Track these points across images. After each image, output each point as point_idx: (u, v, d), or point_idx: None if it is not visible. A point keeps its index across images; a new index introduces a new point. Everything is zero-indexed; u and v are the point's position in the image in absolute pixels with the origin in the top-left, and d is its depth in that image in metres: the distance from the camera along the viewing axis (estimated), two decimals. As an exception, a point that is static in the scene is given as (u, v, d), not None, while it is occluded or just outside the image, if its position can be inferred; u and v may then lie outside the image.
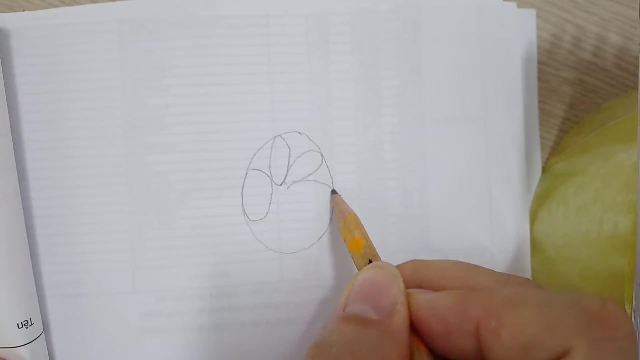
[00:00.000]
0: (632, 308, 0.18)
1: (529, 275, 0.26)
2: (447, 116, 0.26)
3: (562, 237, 0.24)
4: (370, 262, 0.21)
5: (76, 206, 0.25)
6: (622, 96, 0.28)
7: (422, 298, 0.17)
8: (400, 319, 0.16)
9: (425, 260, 0.20)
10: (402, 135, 0.26)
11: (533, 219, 0.27)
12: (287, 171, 0.26)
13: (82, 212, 0.25)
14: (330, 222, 0.26)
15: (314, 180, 0.26)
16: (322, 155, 0.26)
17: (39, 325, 0.23)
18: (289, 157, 0.26)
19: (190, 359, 0.25)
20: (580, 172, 0.24)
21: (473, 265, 0.19)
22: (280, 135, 0.25)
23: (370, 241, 0.22)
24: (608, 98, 0.28)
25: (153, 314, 0.25)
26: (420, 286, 0.19)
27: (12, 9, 0.26)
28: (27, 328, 0.22)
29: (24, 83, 0.24)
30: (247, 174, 0.25)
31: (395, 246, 0.26)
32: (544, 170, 0.28)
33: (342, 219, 0.23)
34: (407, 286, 0.18)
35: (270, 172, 0.25)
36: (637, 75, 0.27)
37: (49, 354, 0.24)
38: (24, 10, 0.25)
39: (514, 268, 0.26)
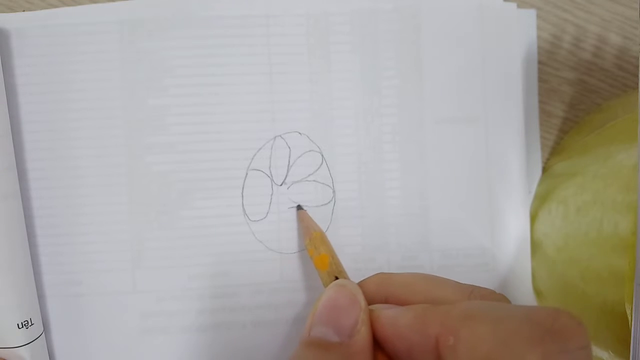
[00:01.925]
0: (632, 308, 0.18)
1: (528, 275, 0.26)
2: (447, 116, 0.26)
3: (562, 237, 0.24)
4: (336, 278, 0.21)
5: (76, 206, 0.25)
6: (622, 96, 0.28)
7: (384, 315, 0.17)
8: (361, 339, 0.16)
9: (391, 274, 0.20)
10: (402, 135, 0.26)
11: (533, 219, 0.27)
12: (287, 171, 0.26)
13: (82, 212, 0.25)
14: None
15: (314, 180, 0.26)
16: (322, 155, 0.26)
17: (39, 325, 0.23)
18: (289, 157, 0.26)
19: (190, 359, 0.25)
20: (580, 172, 0.24)
21: (438, 277, 0.19)
22: (280, 135, 0.25)
23: (337, 257, 0.22)
24: (608, 98, 0.28)
25: (153, 314, 0.25)
26: (386, 300, 0.19)
27: (12, 9, 0.26)
28: (27, 328, 0.22)
29: (24, 83, 0.24)
30: (247, 174, 0.25)
31: (395, 246, 0.26)
32: (544, 170, 0.28)
33: (308, 236, 0.23)
34: (373, 301, 0.18)
35: (270, 172, 0.25)
36: (637, 75, 0.27)
37: (49, 354, 0.24)
38: (24, 10, 0.25)
39: (514, 268, 0.26)
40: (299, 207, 0.25)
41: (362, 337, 0.17)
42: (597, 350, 0.22)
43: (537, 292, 0.26)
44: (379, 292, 0.19)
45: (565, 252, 0.24)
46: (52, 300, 0.25)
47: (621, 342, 0.20)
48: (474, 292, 0.18)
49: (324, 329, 0.17)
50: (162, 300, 0.25)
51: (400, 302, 0.18)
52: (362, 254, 0.26)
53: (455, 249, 0.26)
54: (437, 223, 0.26)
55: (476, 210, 0.26)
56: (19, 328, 0.22)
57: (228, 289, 0.25)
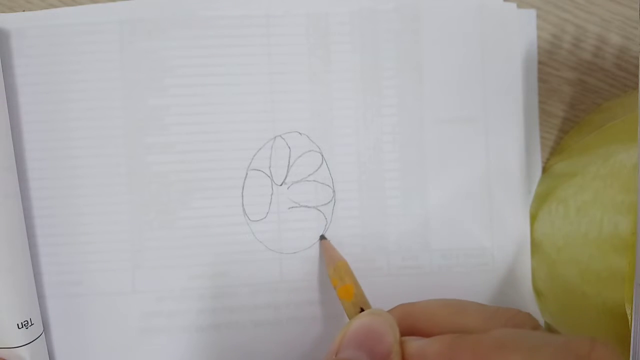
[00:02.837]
0: (632, 308, 0.18)
1: (528, 275, 0.26)
2: (447, 116, 0.26)
3: (562, 237, 0.24)
4: (362, 309, 0.20)
5: (76, 206, 0.25)
6: (622, 96, 0.28)
7: (413, 346, 0.16)
8: None
9: (412, 304, 0.19)
10: (402, 135, 0.26)
11: (533, 219, 0.27)
12: (287, 171, 0.26)
13: (82, 212, 0.25)
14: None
15: (314, 180, 0.26)
16: (322, 155, 0.26)
17: (39, 325, 0.23)
18: (289, 157, 0.26)
19: (190, 359, 0.25)
20: (580, 172, 0.24)
21: (459, 302, 0.19)
22: (280, 135, 0.25)
23: (361, 288, 0.22)
24: (608, 98, 0.28)
25: (153, 314, 0.25)
26: (410, 332, 0.18)
27: (12, 9, 0.26)
28: (27, 328, 0.22)
29: (24, 83, 0.24)
30: (247, 174, 0.25)
31: (395, 246, 0.26)
32: (544, 170, 0.28)
33: (332, 265, 0.23)
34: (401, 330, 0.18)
35: (270, 172, 0.25)
36: (637, 75, 0.27)
37: (49, 354, 0.24)
38: (24, 10, 0.25)
39: (514, 268, 0.26)
40: (322, 237, 0.25)
41: None
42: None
43: (537, 292, 0.26)
44: (402, 324, 0.18)
45: (565, 252, 0.24)
46: (52, 300, 0.25)
47: (621, 342, 0.20)
48: (497, 314, 0.17)
49: (356, 353, 0.17)
50: (162, 300, 0.25)
51: (425, 334, 0.18)
52: (362, 254, 0.26)
53: (455, 249, 0.26)
54: (437, 223, 0.26)
55: (476, 210, 0.26)
56: (19, 328, 0.22)
57: (228, 289, 0.25)
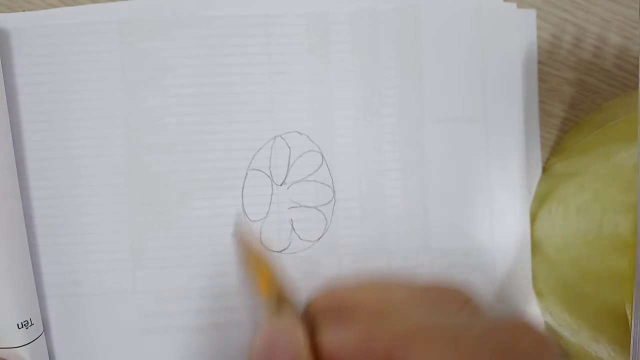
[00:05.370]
0: (632, 308, 0.18)
1: (529, 275, 0.26)
2: (447, 116, 0.26)
3: (562, 237, 0.24)
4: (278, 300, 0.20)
5: (76, 206, 0.25)
6: (622, 96, 0.28)
7: (328, 340, 0.16)
8: None
9: (339, 281, 0.19)
10: (402, 135, 0.26)
11: (533, 219, 0.27)
12: (287, 171, 0.26)
13: (82, 212, 0.25)
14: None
15: (314, 180, 0.26)
16: (322, 155, 0.26)
17: (39, 325, 0.23)
18: (289, 157, 0.26)
19: (190, 359, 0.25)
20: (580, 172, 0.24)
21: (390, 280, 0.18)
22: (280, 135, 0.25)
23: (278, 278, 0.21)
24: (608, 98, 0.28)
25: (153, 314, 0.25)
26: (336, 309, 0.18)
27: (12, 9, 0.26)
28: (27, 328, 0.22)
29: (24, 83, 0.24)
30: (247, 174, 0.25)
31: (395, 246, 0.26)
32: (544, 170, 0.28)
33: (250, 259, 0.23)
34: (323, 313, 0.17)
35: (270, 172, 0.25)
36: (637, 75, 0.27)
37: (49, 354, 0.24)
38: (24, 10, 0.25)
39: (514, 268, 0.26)
40: (237, 227, 0.24)
41: None
42: (597, 350, 0.22)
43: (537, 292, 0.26)
44: (328, 303, 0.18)
45: (565, 252, 0.24)
46: (52, 300, 0.25)
47: (621, 342, 0.20)
48: (426, 292, 0.17)
49: None
50: (162, 300, 0.25)
51: (350, 312, 0.17)
52: (361, 254, 0.26)
53: (455, 249, 0.26)
54: (437, 223, 0.26)
55: (476, 210, 0.26)
56: (19, 328, 0.22)
57: (228, 289, 0.25)
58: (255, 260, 0.23)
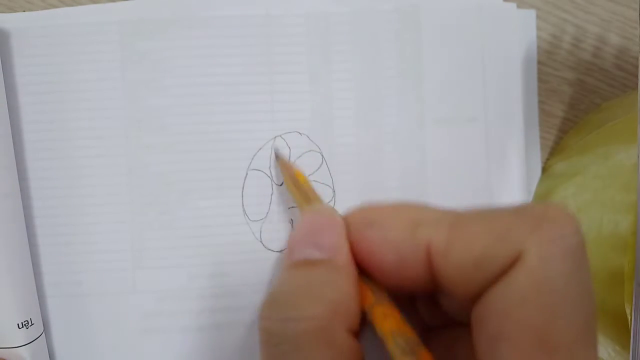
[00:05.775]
0: (631, 308, 0.18)
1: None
2: (447, 116, 0.26)
3: (562, 237, 0.24)
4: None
5: (76, 206, 0.25)
6: (621, 96, 0.28)
7: (373, 230, 0.17)
8: (344, 253, 0.17)
9: (373, 202, 0.19)
10: (402, 135, 0.26)
11: (533, 219, 0.27)
12: (287, 171, 0.26)
13: (82, 212, 0.25)
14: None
15: (314, 180, 0.26)
16: (322, 155, 0.26)
17: (39, 325, 0.23)
18: (289, 157, 0.26)
19: (190, 359, 0.25)
20: (580, 172, 0.24)
21: (422, 204, 0.18)
22: (280, 135, 0.25)
23: (315, 191, 0.22)
24: (608, 98, 0.28)
25: (153, 314, 0.25)
26: (371, 220, 0.18)
27: (12, 9, 0.26)
28: (27, 328, 0.22)
29: (24, 83, 0.24)
30: (247, 174, 0.25)
31: (395, 246, 0.26)
32: (544, 170, 0.28)
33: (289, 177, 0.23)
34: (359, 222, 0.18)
35: (270, 172, 0.25)
36: (637, 75, 0.27)
37: (49, 354, 0.24)
38: (24, 11, 0.25)
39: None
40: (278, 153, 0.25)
41: (345, 251, 0.17)
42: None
43: (537, 292, 0.26)
44: (365, 217, 0.18)
45: (565, 252, 0.24)
46: (52, 300, 0.25)
47: (621, 342, 0.20)
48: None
49: (306, 250, 0.17)
50: (162, 300, 0.25)
51: (388, 220, 0.18)
52: (362, 254, 0.26)
53: (455, 249, 0.26)
54: (437, 223, 0.26)
55: (476, 210, 0.26)
56: (19, 328, 0.22)
57: (228, 289, 0.25)
58: (294, 177, 0.23)
